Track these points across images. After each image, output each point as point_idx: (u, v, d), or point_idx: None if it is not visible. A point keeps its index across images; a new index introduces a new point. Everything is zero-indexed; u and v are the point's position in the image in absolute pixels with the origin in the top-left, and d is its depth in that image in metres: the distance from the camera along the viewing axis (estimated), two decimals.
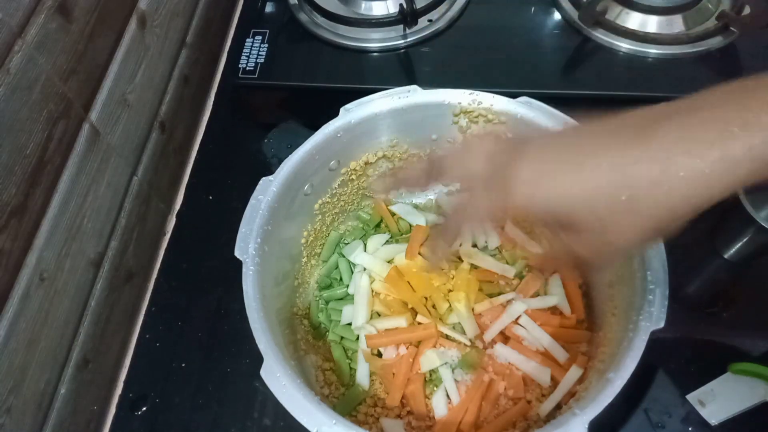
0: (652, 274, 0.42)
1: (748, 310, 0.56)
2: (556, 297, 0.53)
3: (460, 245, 0.57)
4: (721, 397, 0.49)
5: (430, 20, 0.70)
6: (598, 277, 0.52)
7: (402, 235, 0.60)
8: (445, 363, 0.51)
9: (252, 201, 0.48)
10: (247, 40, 0.70)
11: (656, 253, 0.43)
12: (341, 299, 0.56)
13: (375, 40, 0.69)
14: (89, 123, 0.52)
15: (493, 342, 0.52)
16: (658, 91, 0.62)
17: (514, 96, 0.52)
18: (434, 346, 0.52)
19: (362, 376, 0.51)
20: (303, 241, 0.55)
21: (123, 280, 0.60)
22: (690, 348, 0.53)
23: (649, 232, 0.29)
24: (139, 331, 0.58)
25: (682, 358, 0.53)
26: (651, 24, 0.67)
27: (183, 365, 0.55)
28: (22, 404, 0.45)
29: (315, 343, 0.54)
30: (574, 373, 0.48)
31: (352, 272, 0.57)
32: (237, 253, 0.46)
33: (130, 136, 0.60)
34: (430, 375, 0.51)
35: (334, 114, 0.52)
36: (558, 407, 0.48)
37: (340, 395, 0.51)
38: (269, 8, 0.74)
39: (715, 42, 0.65)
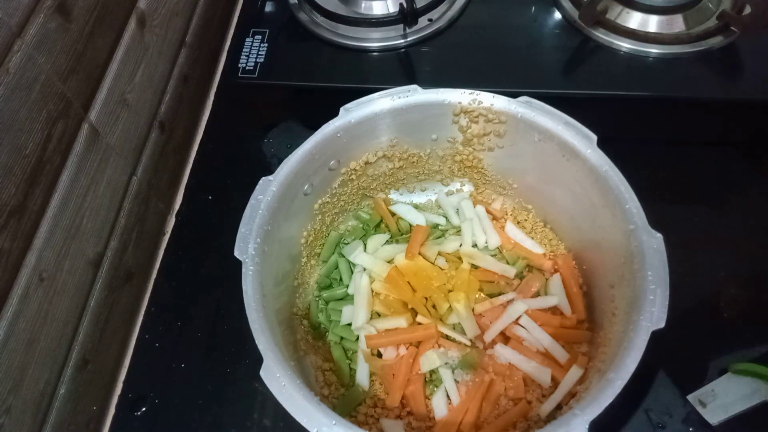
0: (653, 274, 0.42)
1: (748, 310, 0.56)
2: (556, 297, 0.53)
3: (460, 245, 0.57)
4: (722, 397, 0.49)
5: (430, 20, 0.70)
6: (598, 277, 0.52)
7: (402, 235, 0.60)
8: (446, 363, 0.51)
9: (252, 201, 0.48)
10: (247, 39, 0.70)
11: (657, 253, 0.43)
12: (341, 299, 0.56)
13: (375, 40, 0.69)
14: (88, 123, 0.52)
15: (494, 342, 0.52)
16: (658, 90, 0.61)
17: (514, 96, 0.52)
18: (434, 347, 0.52)
19: (362, 377, 0.51)
20: (303, 241, 0.55)
21: (122, 281, 0.60)
22: (690, 348, 0.53)
23: None
24: (138, 332, 0.58)
25: (682, 358, 0.53)
26: (651, 23, 0.67)
27: (183, 365, 0.55)
28: (21, 404, 0.45)
29: (315, 344, 0.54)
30: (575, 373, 0.48)
31: (352, 272, 0.57)
32: (237, 253, 0.46)
33: (130, 135, 0.60)
34: (430, 375, 0.51)
35: (334, 114, 0.52)
36: (558, 407, 0.48)
37: (340, 396, 0.51)
38: (269, 8, 0.74)
39: (716, 42, 0.65)
